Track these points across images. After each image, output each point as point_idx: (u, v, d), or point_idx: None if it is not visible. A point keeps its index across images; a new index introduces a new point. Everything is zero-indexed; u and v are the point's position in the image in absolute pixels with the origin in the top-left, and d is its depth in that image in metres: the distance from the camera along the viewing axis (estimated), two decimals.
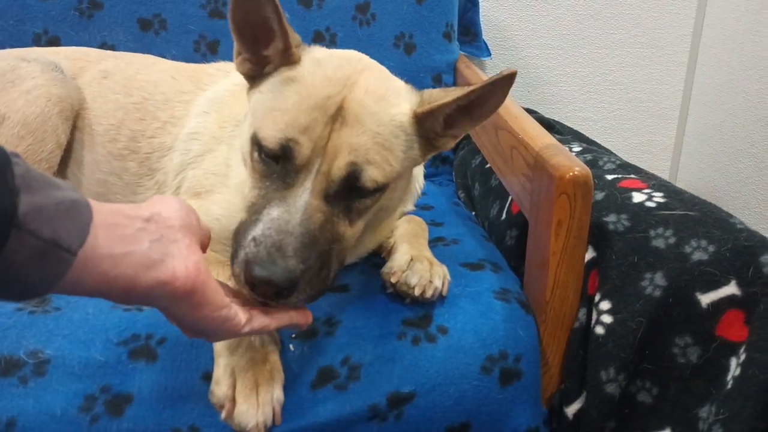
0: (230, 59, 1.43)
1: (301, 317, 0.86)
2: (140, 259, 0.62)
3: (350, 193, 0.89)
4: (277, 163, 0.88)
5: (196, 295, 0.67)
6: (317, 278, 0.84)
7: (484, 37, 2.03)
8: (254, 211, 0.87)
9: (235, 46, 0.96)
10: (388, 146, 0.90)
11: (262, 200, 0.88)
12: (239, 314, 0.75)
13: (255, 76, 0.97)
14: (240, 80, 1.27)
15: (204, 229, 0.78)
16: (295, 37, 0.94)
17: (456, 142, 0.99)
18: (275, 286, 0.79)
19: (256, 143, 0.89)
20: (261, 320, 0.79)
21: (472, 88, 0.88)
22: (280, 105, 0.89)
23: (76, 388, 0.89)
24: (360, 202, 0.91)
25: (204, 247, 0.78)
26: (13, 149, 1.18)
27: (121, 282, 0.61)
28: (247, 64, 0.97)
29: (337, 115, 0.87)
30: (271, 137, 0.87)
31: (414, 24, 1.76)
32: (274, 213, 0.84)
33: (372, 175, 0.88)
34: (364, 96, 0.89)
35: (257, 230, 0.83)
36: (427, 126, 0.95)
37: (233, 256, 0.85)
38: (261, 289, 0.80)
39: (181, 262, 0.65)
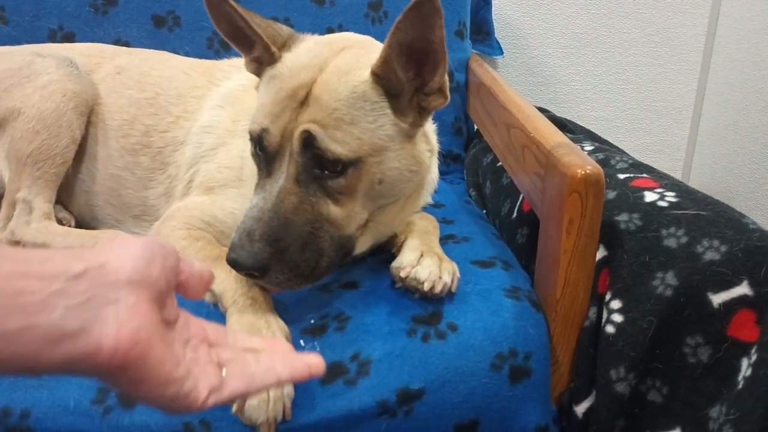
0: None
1: (301, 372, 0.68)
2: (46, 332, 0.48)
3: (321, 170, 0.92)
4: (261, 155, 0.96)
5: (130, 371, 0.52)
6: (299, 260, 0.91)
7: (496, 35, 2.03)
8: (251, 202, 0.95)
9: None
10: (349, 119, 0.91)
11: (255, 189, 0.96)
12: (200, 386, 0.58)
13: (260, 74, 1.03)
14: (253, 76, 1.29)
15: (192, 273, 0.64)
16: (280, 34, 1.01)
17: (445, 99, 0.97)
18: (243, 267, 0.88)
19: (250, 139, 0.97)
20: (234, 388, 0.62)
21: (398, 18, 0.86)
22: (263, 101, 0.96)
23: (90, 380, 0.90)
24: (335, 181, 0.93)
25: (192, 294, 0.66)
26: (28, 144, 1.22)
27: (16, 362, 0.47)
28: (252, 65, 1.04)
29: (306, 99, 0.92)
30: (252, 131, 0.95)
31: None
32: (254, 201, 0.92)
33: (331, 148, 0.90)
34: (329, 76, 0.93)
35: (241, 218, 0.91)
36: (392, 81, 0.93)
37: None
38: (237, 271, 0.90)
39: (113, 330, 0.50)
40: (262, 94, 0.98)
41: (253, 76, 1.28)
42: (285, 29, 1.04)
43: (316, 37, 1.05)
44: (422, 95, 0.97)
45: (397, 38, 0.89)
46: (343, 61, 0.95)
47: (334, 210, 0.94)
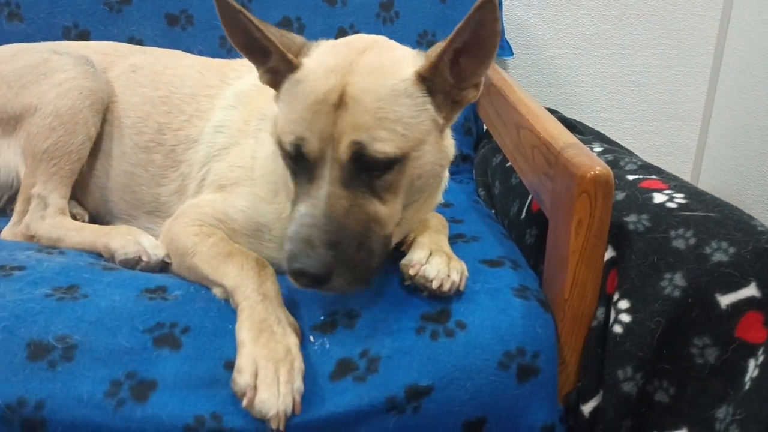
0: None
1: None
2: None
3: (367, 172, 0.93)
4: (300, 162, 0.95)
5: None
6: (357, 261, 0.91)
7: (506, 36, 2.04)
8: (293, 210, 0.95)
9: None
10: (393, 117, 0.93)
11: (295, 198, 0.96)
12: None
13: (274, 85, 1.03)
14: None
15: None
16: (294, 43, 1.00)
17: (478, 92, 1.00)
18: (310, 276, 0.87)
19: (281, 147, 0.97)
20: None
21: (460, 26, 0.89)
22: (290, 108, 0.96)
23: (103, 373, 0.91)
24: (381, 180, 0.94)
25: None
26: (44, 140, 1.24)
27: None
28: (267, 76, 1.04)
29: (340, 103, 0.91)
30: (286, 141, 0.95)
31: (437, 22, 1.77)
32: (302, 209, 0.92)
33: (380, 148, 0.91)
34: (361, 76, 0.94)
35: (291, 228, 0.91)
36: (437, 82, 0.96)
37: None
38: (301, 281, 0.89)
39: None
40: (287, 102, 0.97)
41: None
42: (298, 38, 1.04)
43: (331, 42, 1.05)
44: (456, 90, 0.99)
45: (455, 44, 0.92)
46: (371, 61, 0.96)
47: (380, 209, 0.96)
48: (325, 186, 0.92)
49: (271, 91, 1.21)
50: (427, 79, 0.96)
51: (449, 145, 1.07)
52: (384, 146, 0.91)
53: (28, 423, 0.88)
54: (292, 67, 0.98)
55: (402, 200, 0.99)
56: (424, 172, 1.00)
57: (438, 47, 0.94)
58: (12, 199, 1.32)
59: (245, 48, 1.01)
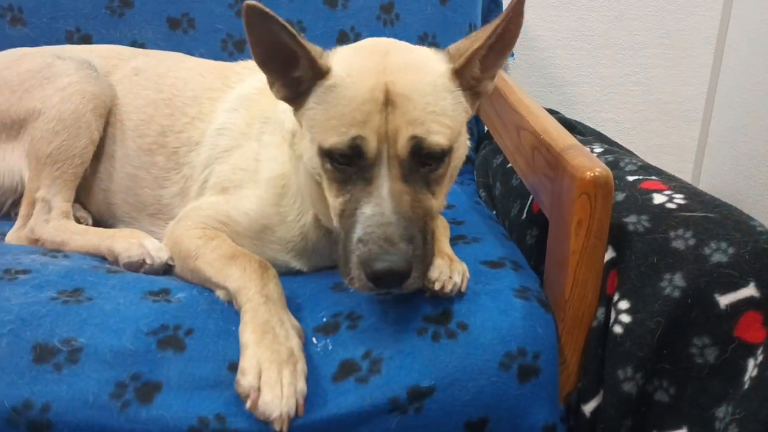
0: None
1: None
2: None
3: (423, 166, 0.96)
4: (351, 165, 0.95)
5: None
6: (424, 254, 0.93)
7: None
8: (347, 216, 0.95)
9: (267, 78, 1.02)
10: (440, 111, 0.97)
11: (350, 204, 0.95)
12: None
13: (294, 98, 1.02)
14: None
15: None
16: (316, 49, 0.99)
17: (494, 82, 1.07)
18: (397, 273, 0.88)
19: (325, 155, 0.96)
20: None
21: (496, 24, 0.98)
22: (334, 112, 0.95)
23: (108, 375, 0.92)
24: (434, 173, 0.98)
25: None
26: (47, 144, 1.25)
27: None
28: (283, 91, 1.02)
29: (387, 102, 0.93)
30: (339, 142, 0.94)
31: (437, 24, 1.78)
32: (367, 210, 0.92)
33: (435, 141, 0.95)
34: (399, 75, 0.96)
35: (358, 232, 0.91)
36: (467, 76, 1.02)
37: (343, 265, 0.93)
38: (385, 281, 0.88)
39: None
40: (323, 109, 0.97)
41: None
42: (317, 46, 1.03)
43: (348, 47, 1.06)
44: (477, 82, 1.04)
45: (491, 40, 0.99)
46: (401, 61, 0.99)
47: (434, 202, 0.99)
48: (386, 183, 0.93)
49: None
50: (459, 74, 1.00)
51: (467, 136, 1.10)
52: (438, 138, 0.95)
53: (34, 425, 0.89)
54: (321, 74, 0.98)
55: (446, 193, 1.02)
56: (459, 163, 1.05)
57: (472, 44, 1.00)
58: (16, 203, 1.34)
59: (266, 59, 0.98)
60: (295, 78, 1.00)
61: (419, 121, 0.94)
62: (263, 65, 0.99)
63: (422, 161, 0.96)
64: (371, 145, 0.93)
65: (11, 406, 0.89)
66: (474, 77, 1.03)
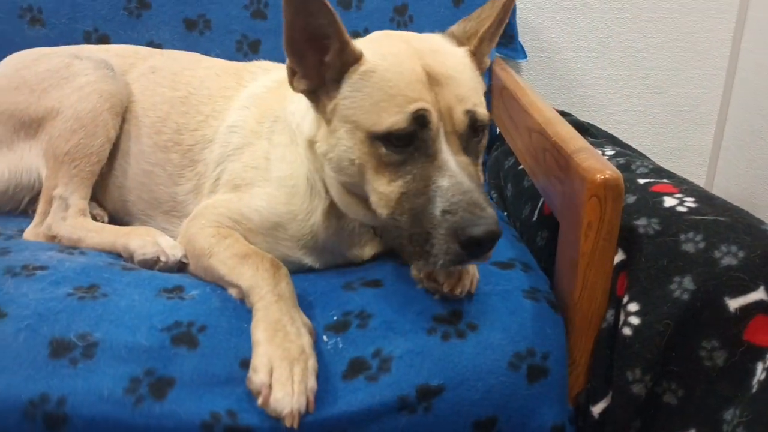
0: (271, 58, 1.49)
1: None
2: None
3: (473, 139, 1.00)
4: (408, 146, 0.96)
5: None
6: None
7: (520, 39, 2.04)
8: (413, 196, 0.95)
9: (288, 70, 1.02)
10: (476, 86, 1.03)
11: (415, 183, 0.96)
12: None
13: (314, 90, 1.03)
14: (278, 77, 1.32)
15: None
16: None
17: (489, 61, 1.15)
18: (495, 235, 0.89)
19: (379, 138, 0.96)
20: None
21: (499, 9, 1.08)
22: (381, 95, 0.97)
23: (122, 370, 0.94)
24: (479, 145, 1.03)
25: None
26: (65, 143, 1.27)
27: None
28: (304, 82, 1.02)
29: (431, 82, 0.97)
30: (400, 120, 0.95)
31: (451, 25, 1.78)
32: (444, 183, 0.93)
33: (482, 112, 1.00)
34: (434, 57, 1.00)
35: (441, 204, 0.92)
36: (479, 55, 1.09)
37: (417, 246, 0.93)
38: (484, 246, 0.90)
39: None
40: (369, 92, 0.97)
41: (280, 77, 1.32)
42: None
43: (367, 38, 1.10)
44: (479, 59, 1.10)
45: (496, 22, 1.09)
46: (426, 46, 1.03)
47: (481, 174, 1.02)
48: (451, 157, 0.95)
49: (285, 91, 1.23)
50: (473, 54, 1.08)
51: None
52: (484, 111, 1.00)
53: (50, 418, 0.91)
54: (352, 59, 0.99)
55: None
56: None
57: (480, 25, 1.09)
58: (34, 201, 1.36)
59: (296, 42, 0.98)
60: (321, 66, 1.01)
61: (466, 96, 0.98)
62: (290, 49, 0.99)
63: (474, 133, 1.00)
64: (434, 116, 0.95)
65: (28, 399, 0.91)
66: (482, 57, 1.10)
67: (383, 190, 0.98)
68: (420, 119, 0.95)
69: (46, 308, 0.99)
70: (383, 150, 0.97)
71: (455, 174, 0.93)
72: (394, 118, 0.95)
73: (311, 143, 1.09)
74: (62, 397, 0.91)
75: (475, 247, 0.89)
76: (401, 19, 1.79)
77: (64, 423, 0.91)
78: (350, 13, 1.77)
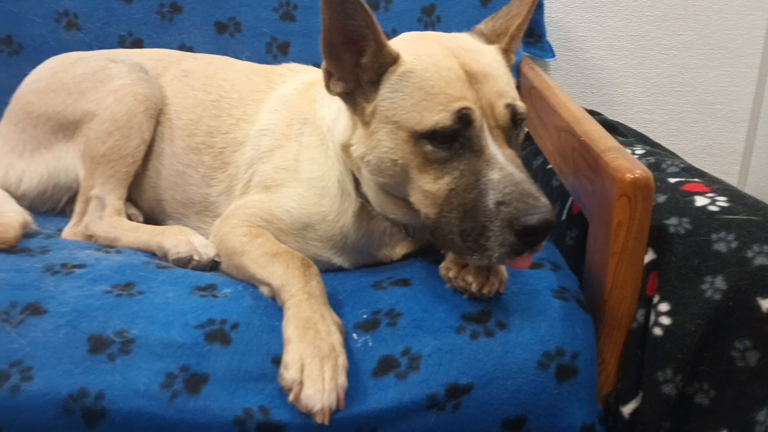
0: (300, 60, 1.51)
1: None
2: None
3: (514, 132, 1.02)
4: (453, 142, 0.97)
5: None
6: None
7: (548, 38, 2.03)
8: (463, 192, 0.96)
9: (324, 73, 1.03)
10: (511, 82, 1.06)
11: (463, 179, 0.97)
12: None
13: (350, 92, 1.05)
14: (307, 79, 1.34)
15: None
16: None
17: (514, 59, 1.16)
18: (551, 223, 0.90)
19: (424, 137, 0.97)
20: None
21: (526, 9, 1.11)
22: (422, 95, 0.98)
23: (158, 366, 0.96)
24: (518, 137, 1.05)
25: None
26: (101, 144, 1.30)
27: None
28: (340, 84, 1.04)
29: (470, 80, 0.98)
30: (444, 118, 0.96)
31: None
32: (495, 176, 0.94)
33: (521, 104, 1.02)
34: (469, 56, 1.02)
35: (495, 197, 0.93)
36: (508, 52, 1.12)
37: (472, 242, 0.94)
38: (538, 235, 0.90)
39: None
40: (410, 92, 0.99)
41: (308, 79, 1.34)
42: None
43: (400, 38, 1.11)
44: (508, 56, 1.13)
45: (526, 21, 1.12)
46: (458, 45, 1.05)
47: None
48: (498, 151, 0.97)
49: (314, 93, 1.25)
50: (504, 51, 1.11)
51: None
52: (522, 104, 1.02)
53: (89, 413, 0.93)
54: (389, 60, 1.01)
55: None
56: None
57: (509, 23, 1.12)
58: (71, 201, 1.39)
59: (333, 43, 0.99)
60: (358, 68, 1.02)
61: (505, 91, 1.00)
62: (328, 51, 1.00)
63: (515, 126, 1.01)
64: (477, 113, 0.97)
65: (68, 393, 0.93)
66: (511, 51, 1.13)
67: (429, 188, 0.99)
68: (464, 118, 0.96)
69: (85, 305, 1.02)
70: (428, 148, 0.98)
71: (504, 166, 0.94)
72: (438, 117, 0.96)
73: (345, 147, 1.10)
74: (100, 391, 0.94)
75: (531, 236, 0.90)
76: (429, 20, 1.79)
77: (102, 417, 0.93)
78: (378, 14, 1.78)
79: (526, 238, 0.90)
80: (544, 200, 0.91)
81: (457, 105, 0.96)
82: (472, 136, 0.97)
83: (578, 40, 2.16)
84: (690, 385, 0.98)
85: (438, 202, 0.99)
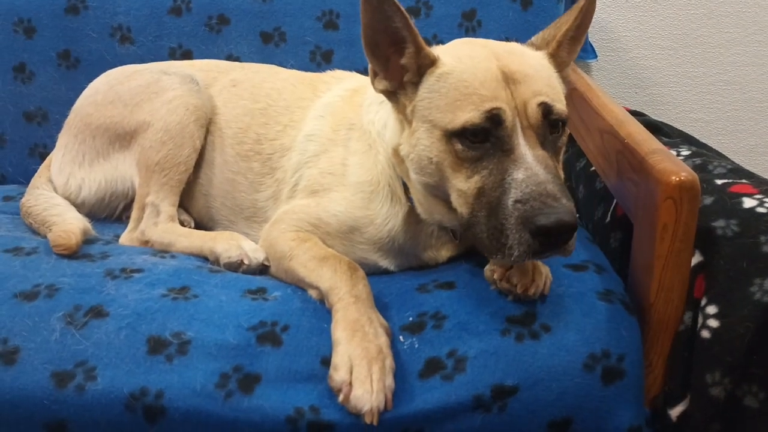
0: (343, 67, 1.54)
1: None
2: None
3: (551, 134, 1.02)
4: (485, 142, 0.99)
5: None
6: None
7: (590, 38, 2.03)
8: (490, 190, 0.97)
9: (370, 69, 1.08)
10: (555, 85, 1.06)
11: (491, 178, 0.98)
12: None
13: (394, 91, 1.08)
14: (351, 85, 1.37)
15: None
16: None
17: (569, 71, 1.17)
18: (566, 225, 0.89)
19: (455, 135, 1.00)
20: None
21: (575, 12, 1.11)
22: (456, 94, 1.01)
23: (213, 366, 1.00)
24: (558, 141, 1.04)
25: None
26: (156, 153, 1.35)
27: None
28: (384, 82, 1.08)
29: (506, 80, 0.99)
30: (474, 117, 0.98)
31: (520, 29, 1.78)
32: (519, 175, 0.95)
33: (559, 106, 1.02)
34: (511, 58, 1.03)
35: (514, 195, 0.93)
36: (558, 59, 1.12)
37: (495, 240, 0.95)
38: (552, 238, 0.90)
39: None
40: (446, 92, 1.02)
41: (352, 86, 1.37)
42: None
43: (449, 44, 1.14)
44: (560, 66, 1.13)
45: (574, 26, 1.12)
46: (501, 49, 1.07)
47: (560, 171, 1.03)
48: (528, 151, 0.97)
49: (359, 99, 1.28)
50: (553, 57, 1.11)
51: None
52: (561, 105, 1.02)
53: (150, 410, 0.98)
54: (428, 61, 1.04)
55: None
56: (566, 139, 1.09)
57: (558, 30, 1.12)
58: (127, 208, 1.45)
59: (375, 44, 1.04)
60: (399, 68, 1.06)
61: (543, 91, 1.00)
62: (370, 50, 1.04)
63: (551, 127, 1.01)
64: (509, 113, 0.98)
65: (129, 392, 0.98)
66: (562, 61, 1.12)
67: (461, 186, 1.01)
68: (494, 117, 0.97)
69: (144, 308, 1.06)
70: (459, 146, 1.00)
71: (531, 166, 0.95)
72: (468, 115, 0.98)
73: (396, 151, 1.12)
74: (160, 390, 0.98)
75: (546, 237, 0.89)
76: (470, 25, 1.81)
77: (162, 415, 0.97)
78: (419, 20, 1.80)
79: (540, 238, 0.90)
80: (564, 202, 0.90)
81: (488, 105, 0.97)
82: (503, 135, 0.98)
83: (621, 40, 2.14)
84: (739, 387, 0.97)
85: (469, 201, 1.00)
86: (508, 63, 1.02)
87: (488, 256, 1.01)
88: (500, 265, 1.08)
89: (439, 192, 1.08)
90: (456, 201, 1.03)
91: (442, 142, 1.01)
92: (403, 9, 0.99)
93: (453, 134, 1.00)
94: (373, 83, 1.09)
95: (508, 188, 0.94)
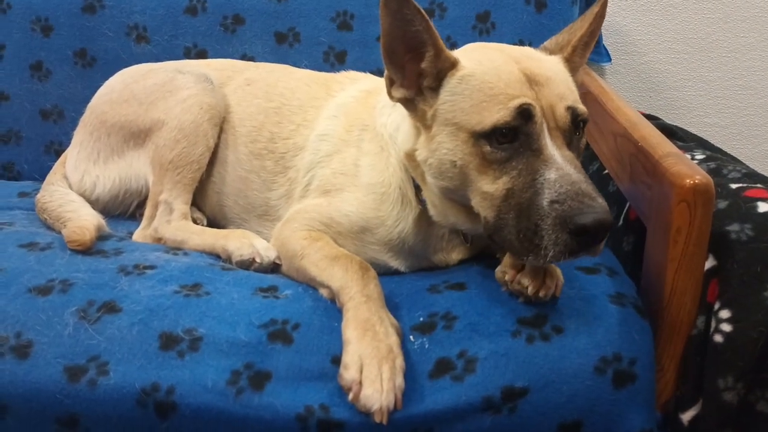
0: (356, 68, 1.54)
1: None
2: None
3: (574, 135, 1.03)
4: (512, 141, 0.99)
5: None
6: None
7: (604, 42, 2.02)
8: (520, 191, 0.97)
9: (387, 78, 1.07)
10: (574, 88, 1.08)
11: (521, 179, 0.98)
12: None
13: (411, 98, 1.08)
14: (365, 86, 1.37)
15: None
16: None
17: (581, 74, 1.17)
18: (605, 224, 0.89)
19: (484, 137, 0.99)
20: None
21: (588, 18, 1.13)
22: (481, 96, 1.01)
23: (225, 363, 1.00)
24: (580, 142, 1.05)
25: None
26: (170, 152, 1.36)
27: None
28: (401, 90, 1.08)
29: (530, 82, 1.00)
30: (504, 116, 0.98)
31: (534, 32, 1.78)
32: (551, 175, 0.95)
33: (583, 108, 1.03)
34: (530, 62, 1.04)
35: (549, 195, 0.93)
36: (572, 63, 1.13)
37: (527, 242, 0.94)
38: (590, 237, 0.90)
39: None
40: (469, 95, 1.02)
41: (366, 87, 1.37)
42: None
43: (462, 49, 1.15)
44: (574, 70, 1.14)
45: (588, 31, 1.13)
46: (519, 53, 1.09)
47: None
48: (557, 152, 0.97)
49: (372, 101, 1.28)
50: (568, 61, 1.12)
51: None
52: (583, 107, 1.03)
53: (161, 406, 0.98)
54: (448, 65, 1.04)
55: None
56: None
57: (573, 35, 1.14)
58: (141, 205, 1.46)
59: (393, 49, 1.03)
60: (415, 75, 1.06)
61: (566, 94, 1.02)
62: (389, 58, 1.04)
63: (575, 129, 1.02)
64: (538, 112, 0.98)
65: (141, 387, 0.98)
66: (574, 66, 1.13)
67: (488, 188, 1.01)
68: (525, 113, 0.97)
69: (156, 304, 1.07)
70: (487, 148, 0.99)
71: (562, 166, 0.95)
72: (498, 115, 0.98)
73: (409, 155, 1.12)
74: (171, 386, 0.98)
75: (585, 236, 0.89)
76: (483, 27, 1.81)
77: (173, 410, 0.98)
78: (433, 21, 1.79)
79: (579, 237, 0.90)
80: (600, 201, 0.90)
81: (517, 102, 0.98)
82: (532, 133, 0.98)
83: (635, 43, 2.13)
84: (752, 393, 0.96)
85: (496, 203, 1.00)
86: (529, 66, 1.03)
87: (518, 257, 1.01)
88: (512, 267, 1.08)
89: (456, 196, 1.08)
90: (479, 204, 1.03)
91: (467, 145, 1.01)
92: (422, 11, 0.99)
93: (481, 135, 0.99)
94: (389, 92, 1.08)
95: (541, 189, 0.94)
